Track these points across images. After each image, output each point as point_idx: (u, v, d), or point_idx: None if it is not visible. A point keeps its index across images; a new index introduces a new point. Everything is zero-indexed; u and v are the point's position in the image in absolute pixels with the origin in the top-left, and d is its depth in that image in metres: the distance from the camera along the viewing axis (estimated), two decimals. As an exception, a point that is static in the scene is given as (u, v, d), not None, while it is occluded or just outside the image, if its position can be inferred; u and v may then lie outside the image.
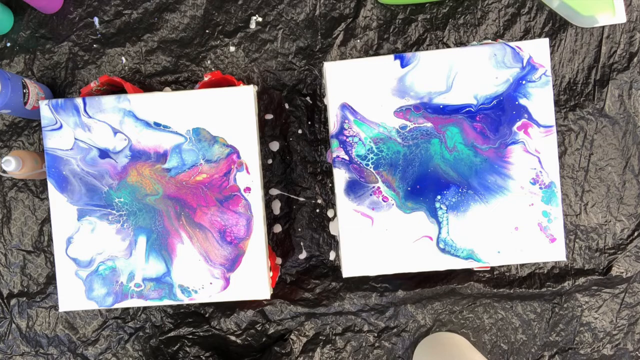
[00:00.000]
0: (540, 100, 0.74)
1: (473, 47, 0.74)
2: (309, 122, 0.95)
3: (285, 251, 0.96)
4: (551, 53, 0.94)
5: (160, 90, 0.96)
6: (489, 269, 0.95)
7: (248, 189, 0.77)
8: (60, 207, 0.78)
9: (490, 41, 0.81)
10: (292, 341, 0.95)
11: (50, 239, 0.96)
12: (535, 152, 0.74)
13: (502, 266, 0.95)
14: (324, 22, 0.95)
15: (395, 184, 0.75)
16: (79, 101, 0.77)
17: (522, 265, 0.95)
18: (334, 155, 0.76)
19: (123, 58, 0.96)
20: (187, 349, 0.94)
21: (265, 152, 0.96)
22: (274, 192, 0.96)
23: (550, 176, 0.74)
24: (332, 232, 0.95)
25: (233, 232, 0.77)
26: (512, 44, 0.74)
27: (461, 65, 0.74)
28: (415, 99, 0.75)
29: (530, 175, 0.74)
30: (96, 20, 0.96)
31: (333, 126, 0.76)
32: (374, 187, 0.75)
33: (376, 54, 0.94)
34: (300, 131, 0.95)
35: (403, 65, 0.75)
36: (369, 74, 0.75)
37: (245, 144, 0.77)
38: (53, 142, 0.77)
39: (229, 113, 0.77)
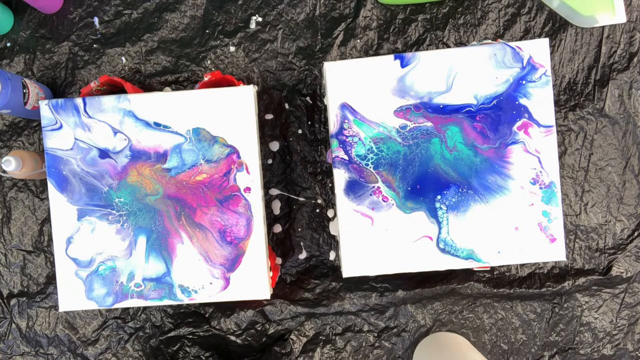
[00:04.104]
0: (540, 100, 0.74)
1: (473, 47, 0.74)
2: (309, 122, 0.95)
3: (285, 251, 0.96)
4: (551, 53, 0.94)
5: (160, 90, 0.96)
6: (489, 269, 0.95)
7: (248, 189, 0.77)
8: (60, 207, 0.78)
9: (490, 41, 0.81)
10: (292, 341, 0.95)
11: (50, 239, 0.96)
12: (535, 152, 0.74)
13: (502, 266, 0.95)
14: (324, 22, 0.95)
15: (395, 183, 0.75)
16: (79, 101, 0.77)
17: (522, 265, 0.95)
18: (334, 155, 0.76)
19: (123, 58, 0.96)
20: (187, 349, 0.94)
21: (265, 152, 0.96)
22: (274, 192, 0.96)
23: (550, 176, 0.74)
24: (332, 232, 0.95)
25: (233, 232, 0.77)
26: (512, 44, 0.74)
27: (461, 65, 0.74)
28: (415, 98, 0.75)
29: (530, 175, 0.74)
30: (96, 20, 0.96)
31: (333, 126, 0.76)
32: (374, 187, 0.75)
33: (376, 54, 0.94)
34: (300, 131, 0.95)
35: (403, 65, 0.75)
36: (369, 74, 0.75)
37: (245, 144, 0.77)
38: (53, 142, 0.77)
39: (229, 113, 0.77)
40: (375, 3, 0.94)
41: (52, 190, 0.78)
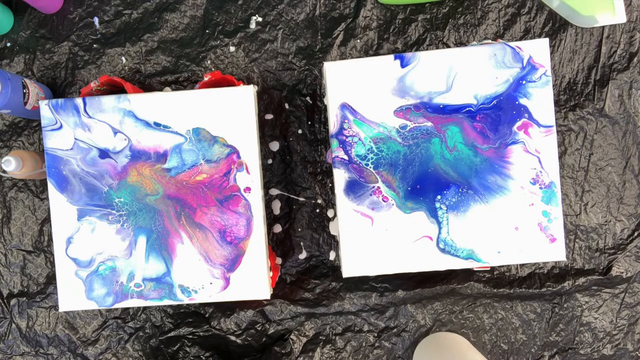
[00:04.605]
0: (540, 100, 0.74)
1: (473, 47, 0.74)
2: (309, 122, 0.95)
3: (285, 251, 0.96)
4: (551, 53, 0.94)
5: (160, 90, 0.96)
6: (489, 269, 0.95)
7: (248, 189, 0.77)
8: (60, 207, 0.78)
9: (490, 41, 0.81)
10: (292, 341, 0.95)
11: (50, 239, 0.96)
12: (535, 152, 0.74)
13: (502, 266, 0.95)
14: (324, 22, 0.95)
15: (395, 183, 0.75)
16: (79, 101, 0.77)
17: (522, 265, 0.95)
18: (334, 155, 0.76)
19: (123, 58, 0.96)
20: (187, 349, 0.94)
21: (265, 152, 0.96)
22: (274, 192, 0.96)
23: (550, 176, 0.74)
24: (332, 232, 0.95)
25: (233, 232, 0.77)
26: (512, 44, 0.74)
27: (461, 65, 0.74)
28: (415, 98, 0.75)
29: (530, 175, 0.74)
30: (96, 20, 0.96)
31: (333, 126, 0.76)
32: (373, 187, 0.75)
33: (376, 54, 0.94)
34: (300, 131, 0.95)
35: (403, 65, 0.75)
36: (369, 74, 0.75)
37: (245, 144, 0.77)
38: (53, 142, 0.77)
39: (229, 113, 0.77)
40: (375, 3, 0.94)
41: (52, 190, 0.78)
